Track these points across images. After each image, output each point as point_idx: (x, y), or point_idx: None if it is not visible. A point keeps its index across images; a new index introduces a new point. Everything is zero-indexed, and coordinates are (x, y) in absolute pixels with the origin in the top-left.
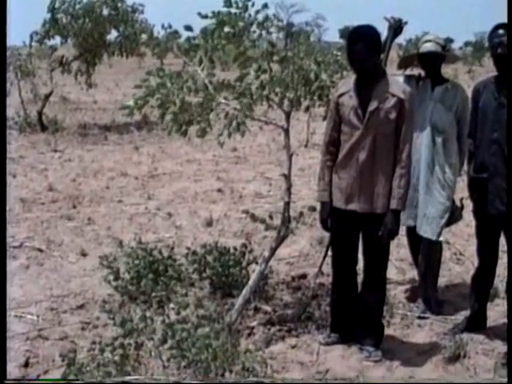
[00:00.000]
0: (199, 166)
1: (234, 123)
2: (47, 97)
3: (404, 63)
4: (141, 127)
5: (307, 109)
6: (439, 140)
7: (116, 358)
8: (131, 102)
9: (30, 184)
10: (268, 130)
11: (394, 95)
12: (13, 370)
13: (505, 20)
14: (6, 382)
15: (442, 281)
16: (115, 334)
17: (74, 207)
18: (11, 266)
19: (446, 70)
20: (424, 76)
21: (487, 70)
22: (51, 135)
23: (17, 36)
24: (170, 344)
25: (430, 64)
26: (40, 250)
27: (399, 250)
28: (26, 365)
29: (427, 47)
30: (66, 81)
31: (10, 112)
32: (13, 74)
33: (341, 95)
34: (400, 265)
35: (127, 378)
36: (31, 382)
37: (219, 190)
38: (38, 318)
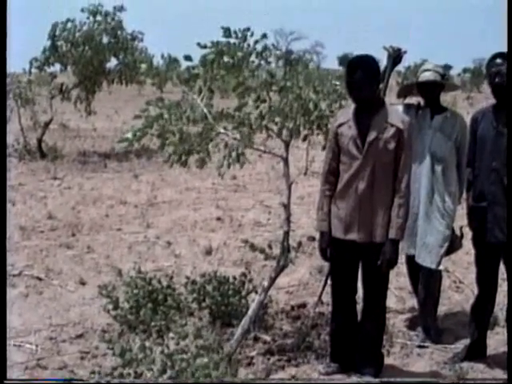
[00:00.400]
0: (198, 194)
1: (234, 154)
2: (47, 124)
3: (403, 92)
4: (140, 155)
5: (305, 138)
6: (439, 168)
7: None
8: (130, 135)
9: (29, 212)
10: (267, 158)
11: (392, 125)
12: None
13: (503, 48)
14: (5, 382)
15: (441, 309)
16: (114, 364)
17: (74, 235)
18: (10, 294)
19: (445, 98)
20: (423, 105)
21: (486, 96)
22: (51, 163)
23: (17, 63)
24: (169, 374)
25: (430, 93)
26: (39, 279)
27: (399, 279)
28: None
29: (426, 76)
30: (66, 108)
31: (10, 139)
32: (13, 102)
33: (340, 125)
34: (399, 293)
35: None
36: (31, 382)
37: (218, 219)
38: (36, 347)
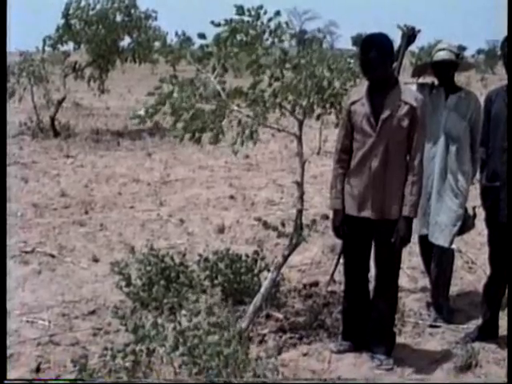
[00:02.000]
0: (211, 173)
1: (247, 131)
2: (60, 102)
3: (418, 71)
4: (153, 133)
5: (318, 117)
6: (453, 148)
7: (127, 364)
8: (142, 112)
9: (42, 189)
10: (280, 137)
11: (406, 103)
12: (24, 374)
13: None
14: (5, 382)
15: (453, 289)
16: (127, 341)
17: (86, 213)
18: (23, 271)
19: (459, 78)
20: (437, 84)
21: (500, 77)
22: (64, 141)
23: (30, 41)
24: (181, 351)
25: (444, 72)
26: (52, 256)
27: (411, 259)
28: (38, 370)
29: (441, 55)
30: (79, 87)
31: (23, 117)
32: (26, 80)
33: (353, 103)
34: (412, 273)
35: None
36: (31, 382)
37: (231, 197)
38: (49, 324)
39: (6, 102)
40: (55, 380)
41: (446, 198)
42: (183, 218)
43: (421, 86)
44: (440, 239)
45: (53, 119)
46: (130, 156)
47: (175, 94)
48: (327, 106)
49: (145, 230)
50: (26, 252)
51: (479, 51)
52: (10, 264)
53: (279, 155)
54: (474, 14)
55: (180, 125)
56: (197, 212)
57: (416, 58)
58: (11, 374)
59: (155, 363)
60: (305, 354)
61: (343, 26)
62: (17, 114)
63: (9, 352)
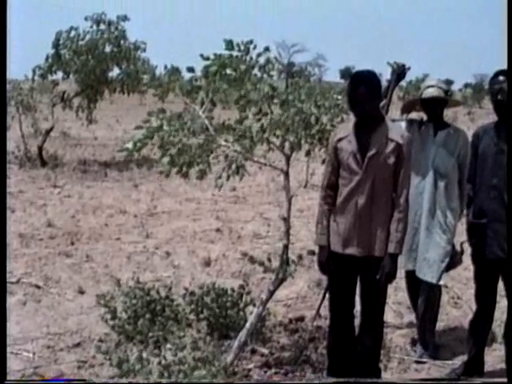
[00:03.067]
0: (198, 205)
1: (234, 166)
2: (48, 132)
3: (407, 108)
4: (140, 164)
5: (308, 153)
6: (441, 184)
7: None
8: (130, 145)
9: (28, 219)
10: (267, 169)
11: (392, 140)
12: None
13: (504, 66)
14: (6, 382)
15: (439, 325)
16: (111, 374)
17: (73, 244)
18: (8, 301)
19: (446, 113)
20: (426, 120)
21: (487, 111)
22: (51, 170)
23: (19, 70)
24: None
25: (433, 109)
26: (37, 287)
27: (397, 294)
28: None
29: (430, 92)
30: (67, 116)
31: (11, 146)
32: (14, 108)
33: (339, 140)
34: (397, 308)
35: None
36: (31, 382)
37: (218, 230)
38: (34, 356)
39: (7, 105)
40: (55, 380)
41: (434, 234)
42: (169, 250)
43: (410, 123)
44: (428, 275)
45: (40, 149)
46: (116, 187)
47: (165, 127)
48: (315, 141)
49: (131, 262)
50: (12, 282)
51: (466, 85)
52: None
53: (266, 188)
54: (462, 48)
55: (166, 159)
56: (183, 244)
57: (404, 92)
58: None
59: None
60: None
61: (331, 59)
62: None
63: None
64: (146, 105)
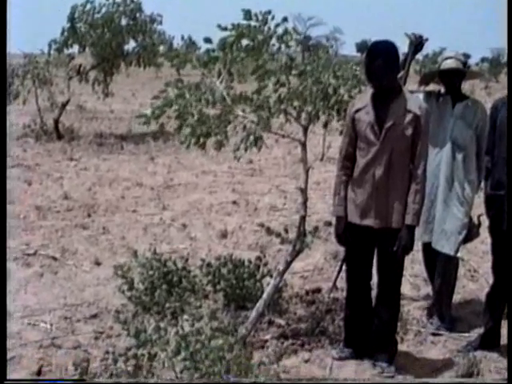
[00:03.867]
0: (215, 178)
1: (252, 137)
2: (64, 105)
3: (425, 80)
4: (157, 137)
5: (326, 124)
6: (459, 156)
7: (129, 368)
8: (148, 112)
9: (45, 192)
10: (284, 142)
11: (410, 111)
12: (25, 377)
13: None
14: (5, 382)
15: (455, 298)
16: (129, 345)
17: (89, 216)
18: (25, 273)
19: (463, 87)
20: (444, 92)
21: (504, 85)
22: (67, 144)
23: (34, 43)
24: (183, 355)
25: (451, 81)
26: (54, 259)
27: (413, 266)
28: (39, 373)
29: (448, 64)
30: (83, 90)
31: (27, 120)
32: (30, 82)
33: (357, 111)
34: (414, 281)
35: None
36: (31, 382)
37: (234, 202)
38: (51, 327)
39: (6, 105)
40: (56, 381)
41: (452, 206)
42: (186, 222)
43: (428, 95)
44: (446, 247)
45: (56, 122)
46: (133, 160)
47: (187, 95)
48: (332, 112)
49: (147, 234)
50: (29, 254)
51: (483, 59)
52: (13, 266)
53: (283, 161)
54: (478, 22)
55: (187, 130)
56: (199, 217)
57: (420, 66)
58: (12, 376)
59: (157, 368)
60: (306, 361)
61: (348, 32)
62: (21, 116)
63: (10, 354)
64: (162, 78)
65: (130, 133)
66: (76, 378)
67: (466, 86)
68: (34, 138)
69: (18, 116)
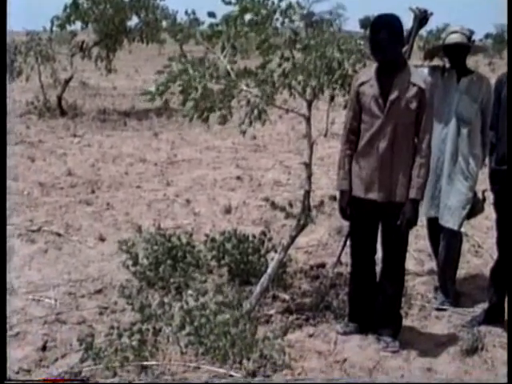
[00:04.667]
0: (218, 154)
1: (256, 111)
2: (67, 82)
3: (430, 54)
4: (160, 114)
5: (332, 98)
6: (464, 131)
7: (134, 343)
8: (152, 88)
9: (48, 168)
10: (287, 118)
11: (414, 85)
12: (30, 353)
13: None
14: (5, 382)
15: (460, 273)
16: (133, 320)
17: (93, 192)
18: (29, 249)
19: (467, 62)
20: (449, 67)
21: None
22: (70, 120)
23: (37, 22)
24: (188, 330)
25: (456, 55)
26: (58, 235)
27: (418, 241)
28: (44, 348)
29: (454, 38)
30: (86, 66)
31: (30, 96)
32: (33, 59)
33: (361, 84)
34: (418, 256)
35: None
36: (31, 382)
37: (238, 178)
38: (55, 302)
39: (6, 100)
40: (55, 380)
41: (456, 181)
42: (190, 198)
43: (432, 69)
44: (450, 222)
45: (60, 98)
46: (136, 136)
47: (190, 71)
48: (337, 86)
49: (151, 210)
50: (33, 231)
51: (487, 35)
52: (17, 242)
53: (286, 137)
54: None
55: (190, 103)
56: (203, 192)
57: (424, 42)
58: (17, 352)
59: (161, 342)
60: (311, 335)
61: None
62: (24, 93)
63: (15, 330)
64: (165, 55)
65: (134, 109)
66: (81, 352)
67: (470, 63)
68: (37, 114)
69: (20, 93)
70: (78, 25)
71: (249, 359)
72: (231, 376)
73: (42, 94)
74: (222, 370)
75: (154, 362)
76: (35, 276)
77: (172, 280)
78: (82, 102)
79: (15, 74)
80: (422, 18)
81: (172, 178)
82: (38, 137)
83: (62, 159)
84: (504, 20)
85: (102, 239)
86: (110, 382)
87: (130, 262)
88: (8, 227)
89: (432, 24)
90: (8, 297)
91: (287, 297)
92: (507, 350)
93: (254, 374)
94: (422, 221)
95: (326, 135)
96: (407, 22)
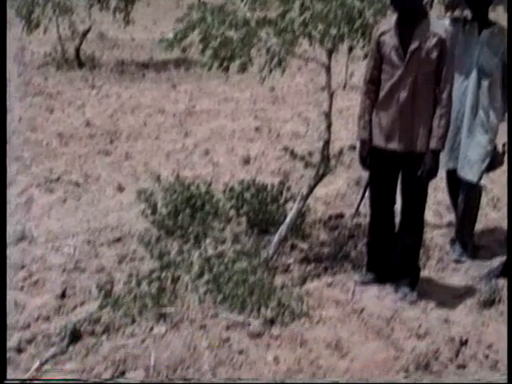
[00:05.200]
0: (237, 105)
1: (276, 59)
2: (85, 33)
3: (452, 5)
4: (178, 65)
5: (350, 49)
6: (485, 83)
7: (153, 290)
8: (171, 35)
9: (67, 119)
10: (306, 71)
11: (435, 35)
12: (49, 300)
13: None
14: (6, 382)
15: (478, 226)
16: (152, 267)
17: (112, 143)
18: (48, 199)
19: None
20: (471, 19)
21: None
22: (89, 72)
23: None
24: (206, 278)
25: (479, 7)
26: (77, 184)
27: (436, 194)
28: (63, 296)
29: None
30: (104, 18)
31: (48, 48)
32: (51, 11)
33: (382, 34)
34: (437, 208)
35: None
36: (31, 382)
37: (257, 129)
38: (74, 251)
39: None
40: (55, 380)
41: (476, 133)
42: (208, 148)
43: (454, 21)
44: (469, 175)
45: (78, 50)
46: (155, 87)
47: (209, 19)
48: (357, 36)
49: (170, 160)
50: (51, 181)
51: None
52: (35, 192)
53: (305, 88)
54: None
55: (209, 52)
56: (222, 143)
57: None
58: (36, 300)
59: (180, 290)
60: (329, 285)
61: None
62: (41, 45)
63: (34, 278)
64: (183, 7)
65: (152, 61)
66: (99, 300)
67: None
68: (55, 66)
69: (38, 45)
70: None
71: (267, 307)
72: (249, 324)
73: (60, 46)
74: (240, 318)
75: (172, 310)
76: (54, 225)
77: (191, 229)
78: (100, 54)
79: (33, 25)
80: None
81: (190, 128)
82: (56, 88)
83: (81, 110)
84: None
85: (121, 189)
86: (108, 382)
87: (148, 211)
88: (27, 177)
89: None
90: (27, 245)
91: (305, 246)
92: (507, 350)
93: (272, 322)
94: (441, 173)
95: (344, 88)
96: None
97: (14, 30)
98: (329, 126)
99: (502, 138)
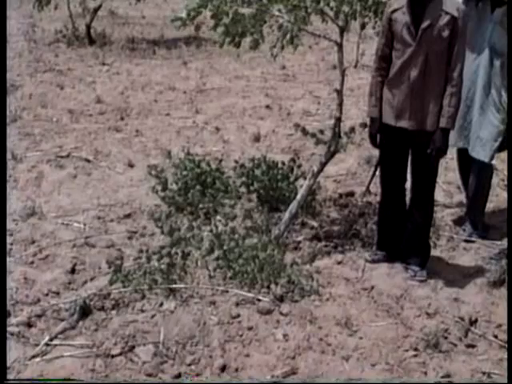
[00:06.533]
0: (247, 83)
1: (288, 36)
2: (96, 10)
3: None
4: (189, 43)
5: (363, 26)
6: (497, 63)
7: (163, 266)
8: (184, 14)
9: (77, 96)
10: (317, 49)
11: (447, 13)
12: (59, 276)
13: None
14: (6, 382)
15: (488, 206)
16: (162, 243)
17: (122, 119)
18: (58, 175)
19: None
20: None
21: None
22: (99, 49)
23: None
24: (216, 254)
25: None
26: (87, 161)
27: (447, 174)
28: (73, 271)
29: None
30: None
31: (58, 25)
32: None
33: (394, 11)
34: (447, 188)
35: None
36: (31, 382)
37: (267, 107)
38: (84, 226)
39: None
40: (55, 380)
41: (488, 112)
42: (219, 125)
43: None
44: (481, 154)
45: (88, 27)
46: (165, 64)
47: None
48: (370, 13)
49: (180, 137)
50: (62, 157)
51: None
52: (46, 168)
53: (316, 67)
54: None
55: (220, 29)
56: (233, 120)
57: None
58: (46, 275)
59: (190, 266)
60: (339, 262)
61: None
62: (52, 22)
63: (44, 253)
64: None
65: (163, 38)
66: (109, 275)
67: None
68: (65, 43)
69: (49, 22)
70: None
71: (277, 284)
72: (259, 300)
73: (71, 23)
74: (249, 294)
75: (182, 285)
76: (64, 201)
77: (201, 205)
78: (111, 31)
79: (44, 2)
80: None
81: (201, 105)
82: (66, 65)
83: (91, 87)
84: None
85: (131, 165)
86: (108, 382)
87: (159, 188)
88: (37, 153)
89: None
90: (37, 221)
91: (316, 224)
92: (507, 350)
93: (281, 299)
94: (452, 153)
95: (356, 66)
96: None
97: (25, 6)
98: (340, 104)
99: None
